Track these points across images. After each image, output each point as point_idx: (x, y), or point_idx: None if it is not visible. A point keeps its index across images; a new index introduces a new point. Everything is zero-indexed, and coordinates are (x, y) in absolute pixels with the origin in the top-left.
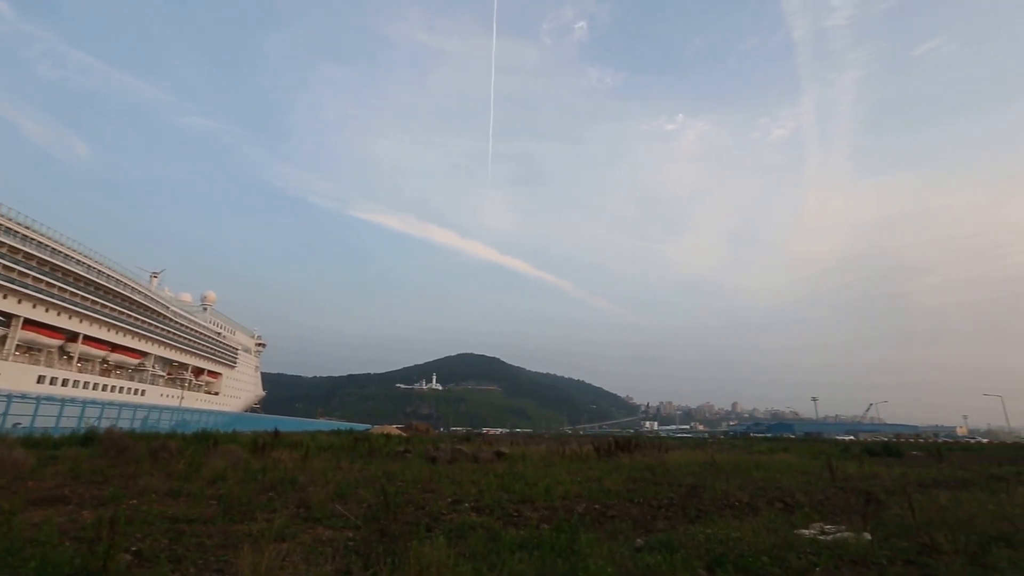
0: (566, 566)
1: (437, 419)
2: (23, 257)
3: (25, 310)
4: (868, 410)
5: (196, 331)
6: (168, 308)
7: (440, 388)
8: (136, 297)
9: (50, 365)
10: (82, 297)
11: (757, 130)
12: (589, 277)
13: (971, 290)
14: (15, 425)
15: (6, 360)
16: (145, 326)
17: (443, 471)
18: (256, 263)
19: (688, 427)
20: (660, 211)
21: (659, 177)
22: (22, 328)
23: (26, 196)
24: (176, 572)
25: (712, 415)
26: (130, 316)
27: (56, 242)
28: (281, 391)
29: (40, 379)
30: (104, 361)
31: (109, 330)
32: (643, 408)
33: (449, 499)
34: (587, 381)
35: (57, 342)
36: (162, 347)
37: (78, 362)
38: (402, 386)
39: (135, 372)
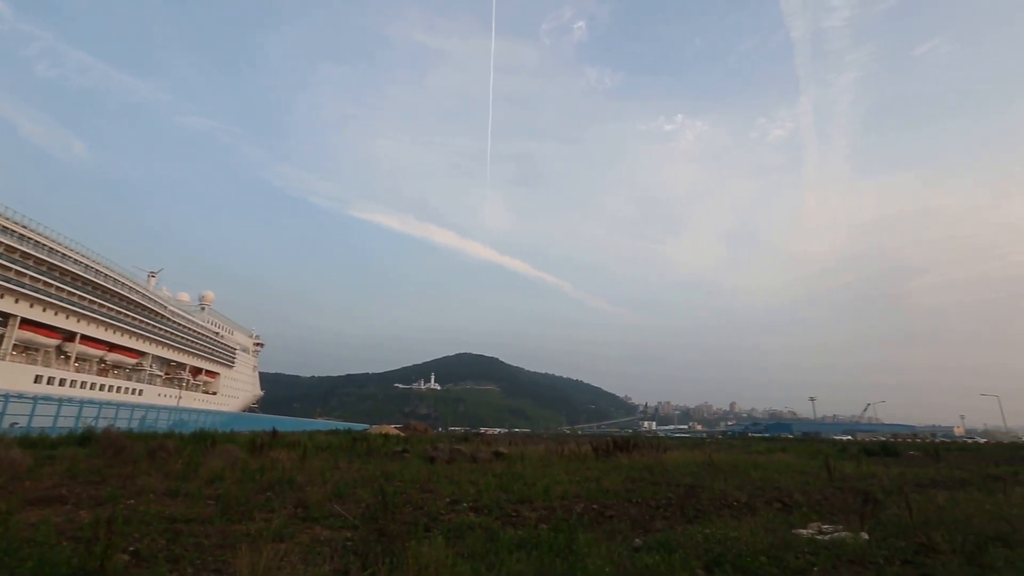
0: (564, 566)
1: (435, 419)
2: (20, 256)
3: (22, 309)
4: (866, 410)
5: (194, 331)
6: (166, 308)
7: (439, 388)
8: (134, 297)
9: (47, 365)
10: (79, 296)
11: (756, 130)
12: (588, 277)
13: (969, 290)
14: (12, 425)
15: (3, 360)
16: (143, 326)
17: (441, 471)
18: (255, 263)
19: (686, 427)
20: (659, 211)
21: (658, 177)
22: (19, 327)
23: (24, 195)
24: (174, 572)
25: (710, 415)
26: (128, 316)
27: (53, 241)
28: (279, 391)
29: (37, 379)
30: (101, 361)
31: (107, 330)
32: (641, 408)
33: (447, 499)
34: (585, 381)
35: (54, 342)
36: (160, 347)
37: (75, 362)
38: (400, 386)
39: (133, 372)
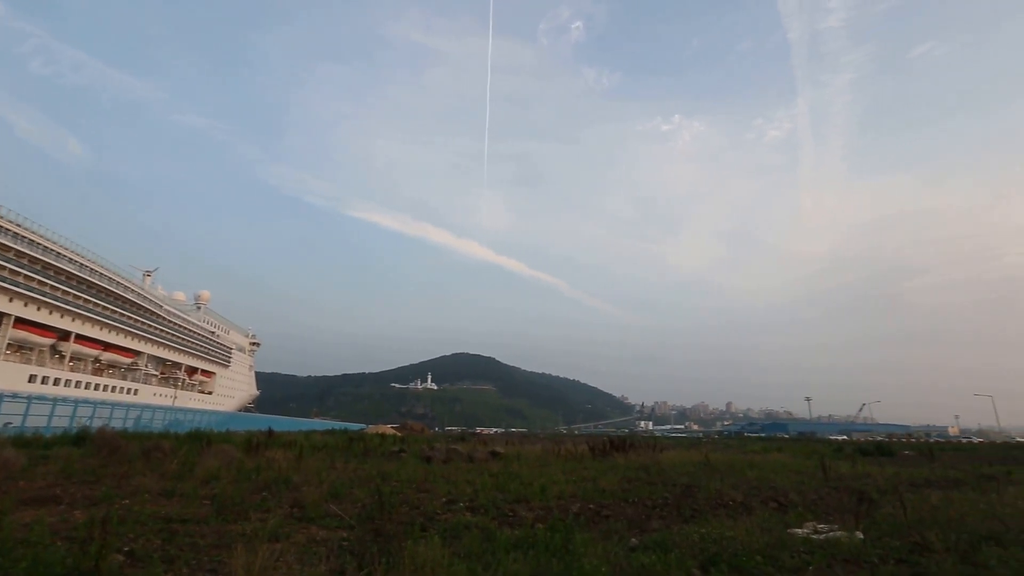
0: (561, 566)
1: (432, 419)
2: (14, 255)
3: (16, 308)
4: (861, 410)
5: (190, 330)
6: (161, 307)
7: (435, 388)
8: (129, 296)
9: (42, 364)
10: (74, 295)
11: (753, 131)
12: (585, 277)
13: (966, 291)
14: (6, 424)
15: None
16: (138, 325)
17: (438, 471)
18: (251, 262)
19: (683, 427)
20: (656, 211)
21: (655, 177)
22: (13, 327)
23: (18, 193)
24: (169, 572)
25: (707, 415)
26: (123, 315)
27: (48, 240)
28: (275, 390)
29: (31, 378)
30: (96, 360)
31: (102, 329)
32: (638, 408)
33: (444, 499)
34: (582, 381)
35: (49, 341)
36: (155, 346)
37: (70, 361)
38: (397, 386)
39: (128, 371)
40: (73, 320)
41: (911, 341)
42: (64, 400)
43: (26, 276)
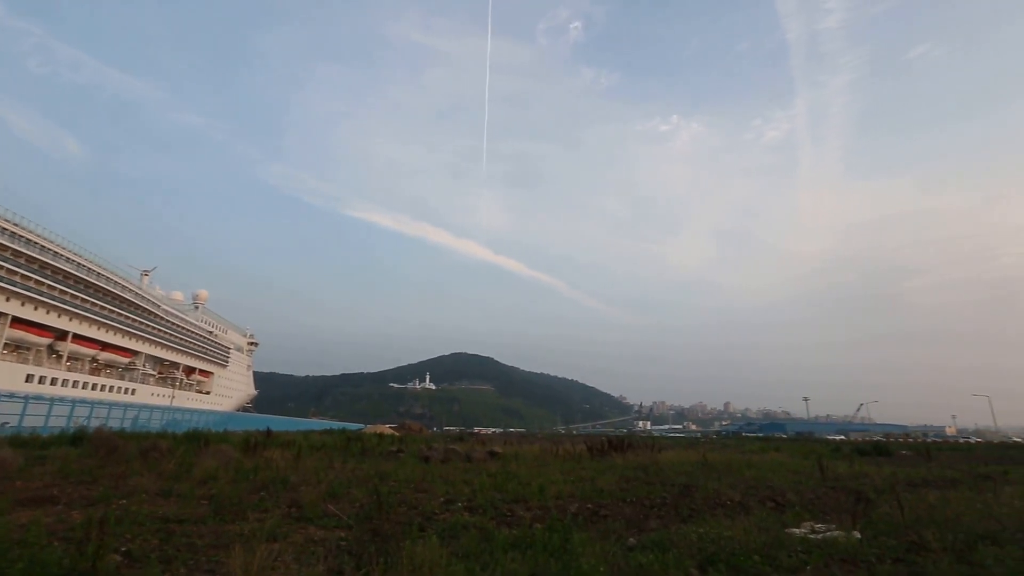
0: (559, 565)
1: (430, 419)
2: (11, 254)
3: (13, 308)
4: (859, 410)
5: (187, 330)
6: (159, 306)
7: (434, 388)
8: (126, 295)
9: (39, 364)
10: (71, 295)
11: (751, 131)
12: (583, 277)
13: (964, 291)
14: (3, 424)
15: None
16: (136, 324)
17: (436, 471)
18: (250, 262)
19: (681, 427)
20: (655, 211)
21: (654, 177)
22: (10, 326)
23: (15, 192)
24: (166, 572)
25: (705, 415)
26: (120, 314)
27: (45, 239)
28: (274, 390)
29: (28, 378)
30: (94, 360)
31: (99, 328)
32: (636, 408)
33: (442, 499)
34: (580, 381)
35: (46, 340)
36: (153, 346)
37: (67, 361)
38: (395, 385)
39: (125, 371)
40: (70, 320)
41: (909, 341)
42: (61, 400)
43: (23, 275)
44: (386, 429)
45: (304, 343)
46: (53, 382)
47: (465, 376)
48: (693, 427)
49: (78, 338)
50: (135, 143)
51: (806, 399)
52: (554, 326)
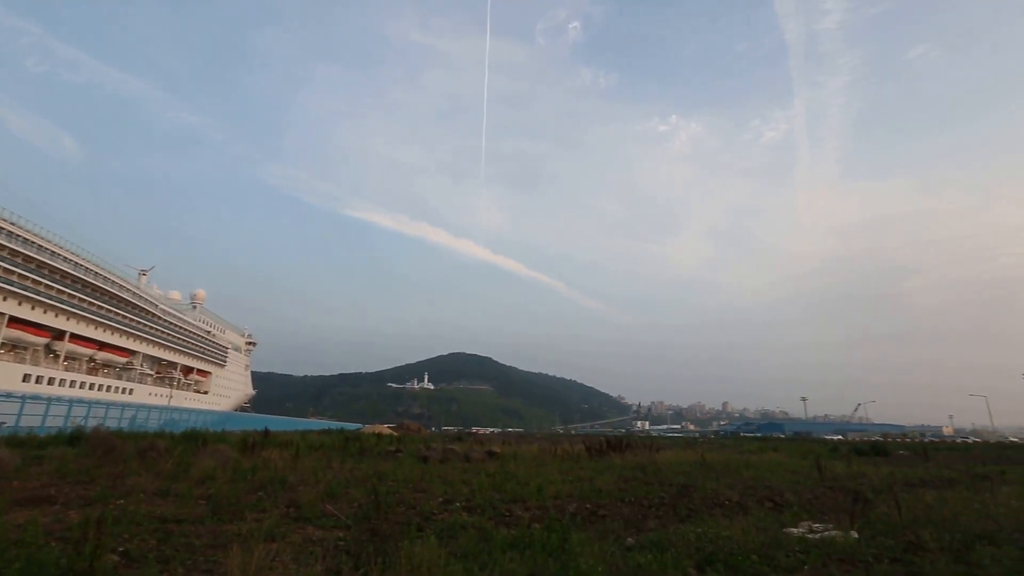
0: (557, 565)
1: (429, 418)
2: (8, 254)
3: (10, 307)
4: (856, 410)
5: (185, 329)
6: (157, 306)
7: (432, 387)
8: (124, 295)
9: (36, 364)
10: (69, 295)
11: (750, 132)
12: (582, 277)
13: (961, 291)
14: (0, 424)
15: None
16: (133, 324)
17: (434, 471)
18: (248, 262)
19: (679, 427)
20: (654, 211)
21: (652, 177)
22: (7, 326)
23: (15, 192)
24: (164, 573)
25: (703, 415)
26: (118, 314)
27: (42, 238)
28: (272, 390)
29: (26, 378)
30: (91, 360)
31: (96, 328)
32: (635, 408)
33: (440, 499)
34: (579, 381)
35: (43, 340)
36: (150, 345)
37: (64, 360)
38: (394, 385)
39: (123, 371)
40: (68, 319)
41: (907, 341)
42: (59, 400)
43: (20, 275)
44: (384, 429)
45: (302, 343)
46: (50, 382)
47: (464, 376)
48: (691, 427)
49: (75, 338)
50: (134, 143)
51: (804, 399)
52: (553, 326)
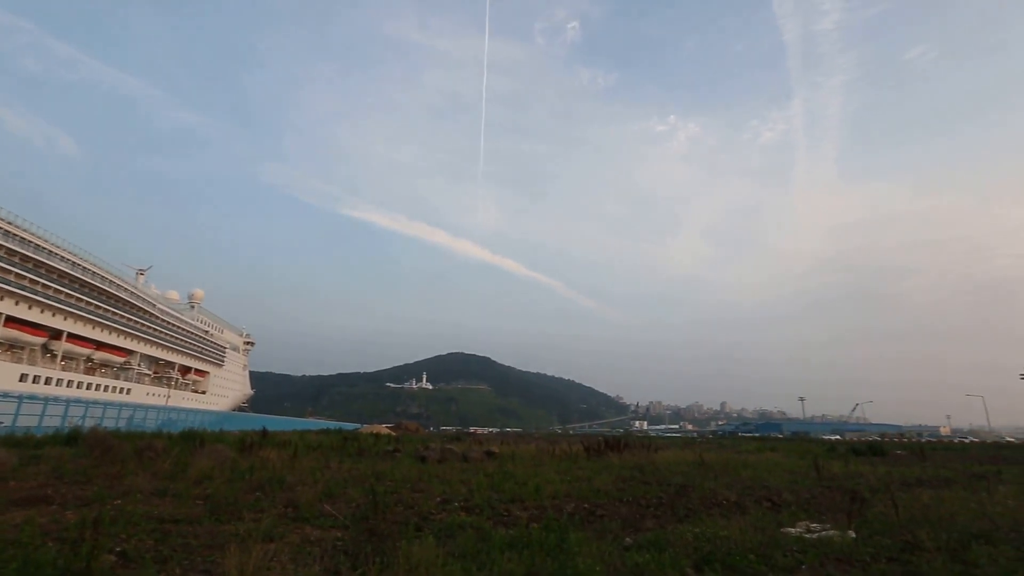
0: (555, 565)
1: (427, 418)
2: (5, 253)
3: (7, 307)
4: (854, 410)
5: (183, 329)
6: (155, 306)
7: (430, 387)
8: (122, 294)
9: (33, 363)
10: (66, 294)
11: (748, 132)
12: (580, 277)
13: (957, 291)
14: None
15: None
16: (131, 324)
17: (433, 470)
18: (247, 261)
19: (677, 427)
20: (652, 211)
21: (650, 178)
22: (4, 325)
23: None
24: (162, 573)
25: (701, 415)
26: (116, 313)
27: (40, 238)
28: (270, 390)
29: (22, 377)
30: (89, 359)
31: (94, 328)
32: (633, 408)
33: (438, 498)
34: (577, 380)
35: (40, 340)
36: (148, 345)
37: (62, 360)
38: (392, 385)
39: (120, 370)
40: (65, 319)
41: (904, 341)
42: (56, 399)
43: (17, 274)
44: (383, 429)
45: (301, 343)
46: (48, 382)
47: (462, 376)
48: (689, 427)
49: (73, 337)
50: (132, 142)
51: (802, 399)
52: (551, 326)
